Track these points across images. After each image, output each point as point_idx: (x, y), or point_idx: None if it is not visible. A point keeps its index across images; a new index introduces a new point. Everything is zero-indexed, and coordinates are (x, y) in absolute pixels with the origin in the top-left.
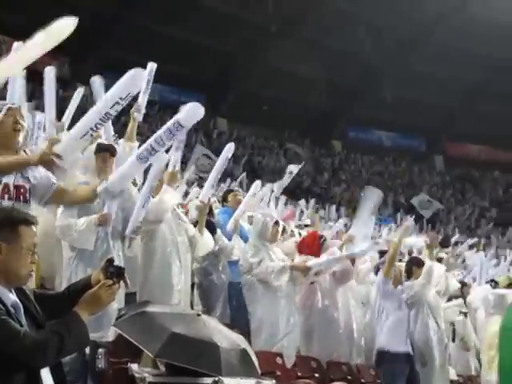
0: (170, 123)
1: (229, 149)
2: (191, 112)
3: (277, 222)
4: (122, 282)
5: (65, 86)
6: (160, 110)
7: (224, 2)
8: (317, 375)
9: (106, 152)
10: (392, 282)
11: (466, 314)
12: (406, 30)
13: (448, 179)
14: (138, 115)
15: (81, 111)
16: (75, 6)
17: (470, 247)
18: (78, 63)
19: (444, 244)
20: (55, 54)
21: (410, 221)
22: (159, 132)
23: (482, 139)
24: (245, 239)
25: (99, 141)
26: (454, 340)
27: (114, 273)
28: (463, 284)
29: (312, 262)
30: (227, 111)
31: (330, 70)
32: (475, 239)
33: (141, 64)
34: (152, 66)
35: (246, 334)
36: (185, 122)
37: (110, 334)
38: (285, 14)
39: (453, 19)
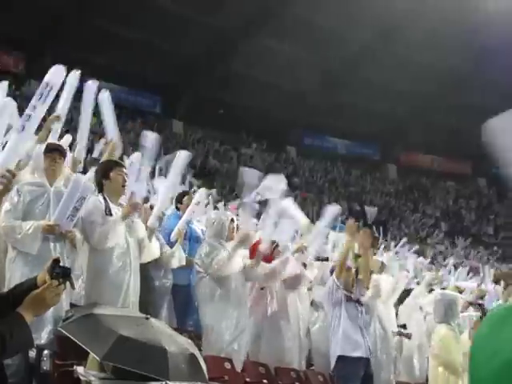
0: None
1: (184, 156)
2: (55, 71)
3: (232, 220)
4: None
5: (19, 83)
6: (115, 111)
7: (183, 4)
8: (265, 381)
9: (55, 152)
10: (343, 286)
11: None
12: (362, 38)
13: (400, 188)
14: (55, 125)
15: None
16: (35, 3)
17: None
18: (35, 61)
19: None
20: (11, 51)
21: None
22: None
23: (435, 149)
24: (194, 239)
25: (49, 141)
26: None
27: (60, 273)
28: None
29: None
30: (183, 114)
31: (285, 76)
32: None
33: (98, 63)
34: (76, 75)
35: (195, 337)
36: (50, 80)
37: (43, 336)
38: (244, 18)
39: (407, 31)
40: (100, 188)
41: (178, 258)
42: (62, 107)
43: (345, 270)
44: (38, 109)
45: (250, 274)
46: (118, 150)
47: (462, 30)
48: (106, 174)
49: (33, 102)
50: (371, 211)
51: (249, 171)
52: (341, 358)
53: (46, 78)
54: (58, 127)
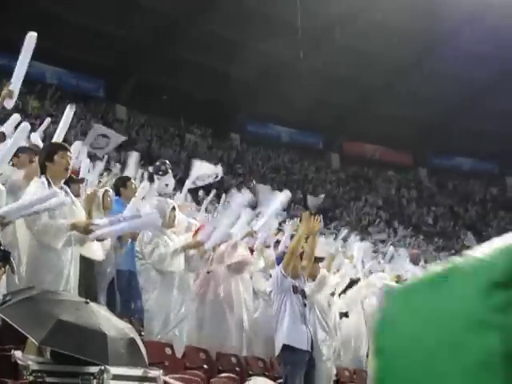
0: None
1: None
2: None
3: (174, 208)
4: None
5: None
6: (57, 93)
7: None
8: (205, 366)
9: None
10: (291, 275)
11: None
12: (306, 27)
13: (343, 177)
14: (9, 102)
15: None
16: None
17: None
18: None
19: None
20: None
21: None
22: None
23: (378, 139)
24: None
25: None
26: None
27: (1, 257)
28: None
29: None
30: (126, 99)
31: (231, 62)
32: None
33: (42, 46)
34: (32, 36)
35: (137, 323)
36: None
37: None
38: (190, 3)
39: (356, 21)
40: (43, 170)
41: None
42: (16, 79)
43: (294, 259)
44: None
45: (193, 263)
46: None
47: (411, 19)
48: (51, 156)
49: None
50: (313, 200)
51: (200, 163)
52: (287, 347)
53: None
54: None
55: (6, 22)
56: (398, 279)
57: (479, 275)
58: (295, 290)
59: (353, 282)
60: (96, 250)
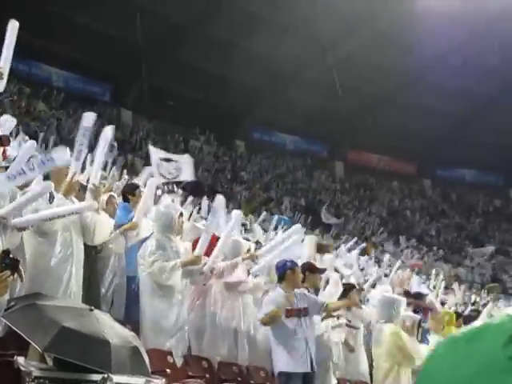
0: (43, 156)
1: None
2: (62, 155)
3: (181, 214)
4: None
5: None
6: (62, 96)
7: None
8: (207, 375)
9: None
10: (284, 288)
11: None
12: (323, 34)
13: (347, 186)
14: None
15: None
16: None
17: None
18: None
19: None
20: None
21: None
22: (33, 159)
23: (382, 149)
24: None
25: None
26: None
27: (10, 264)
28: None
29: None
30: (132, 104)
31: (237, 69)
32: (363, 244)
33: (50, 50)
34: (13, 24)
35: (138, 330)
36: (56, 160)
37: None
38: (196, 8)
39: (364, 30)
40: (46, 175)
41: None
42: (4, 60)
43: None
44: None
45: (191, 279)
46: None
47: (413, 31)
48: None
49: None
50: (326, 215)
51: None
52: (283, 373)
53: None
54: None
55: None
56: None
57: (503, 330)
58: (287, 314)
59: (348, 289)
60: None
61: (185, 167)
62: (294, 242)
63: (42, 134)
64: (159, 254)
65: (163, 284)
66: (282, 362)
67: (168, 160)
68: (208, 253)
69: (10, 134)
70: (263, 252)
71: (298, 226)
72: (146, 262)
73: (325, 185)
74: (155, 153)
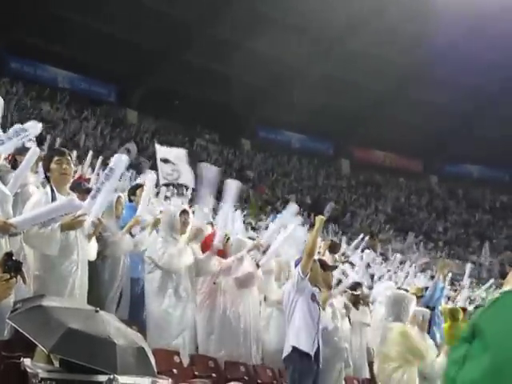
0: (16, 127)
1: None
2: (33, 124)
3: (184, 211)
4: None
5: None
6: (67, 96)
7: None
8: (214, 375)
9: None
10: (309, 278)
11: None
12: (327, 31)
13: (353, 183)
14: None
15: None
16: None
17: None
18: None
19: (332, 250)
20: None
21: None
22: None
23: (388, 146)
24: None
25: None
26: None
27: (12, 267)
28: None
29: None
30: (137, 104)
31: (242, 68)
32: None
33: (54, 51)
34: (35, 151)
35: (143, 330)
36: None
37: (5, 333)
38: (201, 9)
39: (369, 26)
40: (48, 179)
41: (126, 243)
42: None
43: (312, 261)
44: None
45: (202, 268)
46: None
47: (422, 27)
48: (48, 166)
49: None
50: (328, 205)
51: (207, 166)
52: (295, 350)
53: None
54: None
55: (20, 27)
56: (419, 292)
57: None
58: (313, 297)
59: (355, 286)
60: (91, 251)
61: (184, 170)
62: (295, 226)
63: (48, 136)
64: (165, 246)
65: (176, 268)
66: (298, 337)
67: (166, 161)
68: (206, 248)
69: None
70: (266, 238)
71: (291, 205)
72: (156, 256)
73: (331, 182)
74: (160, 151)
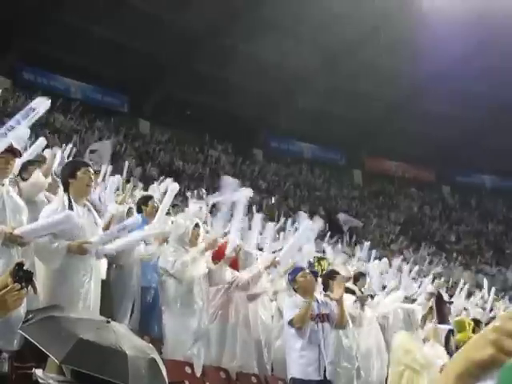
0: (26, 108)
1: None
2: (42, 101)
3: (197, 225)
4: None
5: None
6: (81, 107)
7: (152, 3)
8: None
9: (8, 153)
10: (301, 292)
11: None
12: (334, 43)
13: (366, 194)
14: None
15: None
16: None
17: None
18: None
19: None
20: None
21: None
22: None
23: (400, 156)
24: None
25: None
26: None
27: (23, 277)
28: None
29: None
30: (150, 114)
31: (254, 78)
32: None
33: (67, 61)
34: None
35: (158, 341)
36: (36, 106)
37: (15, 343)
38: (211, 19)
39: (373, 39)
40: (66, 187)
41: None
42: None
43: (304, 321)
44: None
45: (214, 278)
46: None
47: (427, 37)
48: (73, 173)
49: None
50: (345, 219)
51: (228, 179)
52: (296, 380)
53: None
54: None
55: (33, 38)
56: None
57: None
58: (318, 318)
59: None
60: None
61: (105, 152)
62: (304, 231)
63: (62, 146)
64: (178, 254)
65: (189, 277)
66: (294, 367)
67: (93, 151)
68: (217, 257)
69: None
70: (283, 256)
71: (306, 220)
72: (169, 264)
73: (343, 192)
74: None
